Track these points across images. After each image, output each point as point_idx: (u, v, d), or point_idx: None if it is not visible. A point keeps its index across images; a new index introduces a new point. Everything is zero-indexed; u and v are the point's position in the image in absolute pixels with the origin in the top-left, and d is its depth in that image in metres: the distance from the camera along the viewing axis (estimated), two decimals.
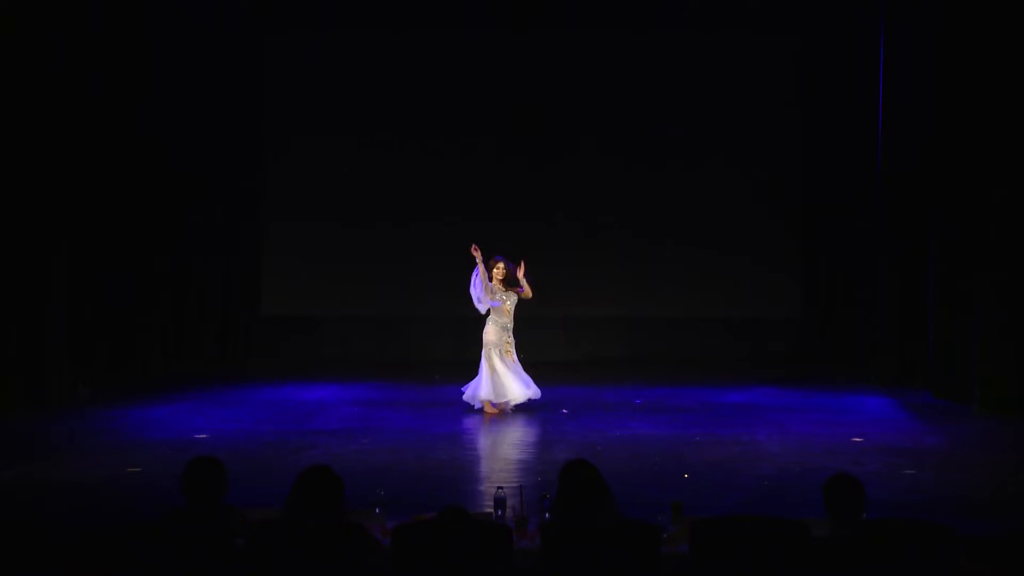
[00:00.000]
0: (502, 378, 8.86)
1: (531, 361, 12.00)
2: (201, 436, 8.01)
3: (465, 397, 9.05)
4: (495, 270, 8.95)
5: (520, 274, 8.98)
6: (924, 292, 10.14)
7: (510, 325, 9.02)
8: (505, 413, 8.90)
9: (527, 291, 9.04)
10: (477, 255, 8.83)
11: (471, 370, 10.69)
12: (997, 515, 5.80)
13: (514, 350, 9.05)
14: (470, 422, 8.71)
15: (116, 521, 4.05)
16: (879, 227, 10.95)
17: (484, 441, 8.08)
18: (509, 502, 4.66)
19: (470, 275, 9.06)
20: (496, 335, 8.93)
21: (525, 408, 9.20)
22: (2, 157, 9.12)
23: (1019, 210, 8.99)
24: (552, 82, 12.08)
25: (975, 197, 9.29)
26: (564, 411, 9.20)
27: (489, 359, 8.89)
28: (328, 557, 3.74)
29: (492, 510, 4.65)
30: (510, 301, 9.00)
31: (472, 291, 9.03)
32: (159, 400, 9.63)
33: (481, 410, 8.90)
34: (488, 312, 9.02)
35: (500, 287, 8.96)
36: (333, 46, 12.11)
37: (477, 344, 12.36)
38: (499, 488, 4.80)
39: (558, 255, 12.15)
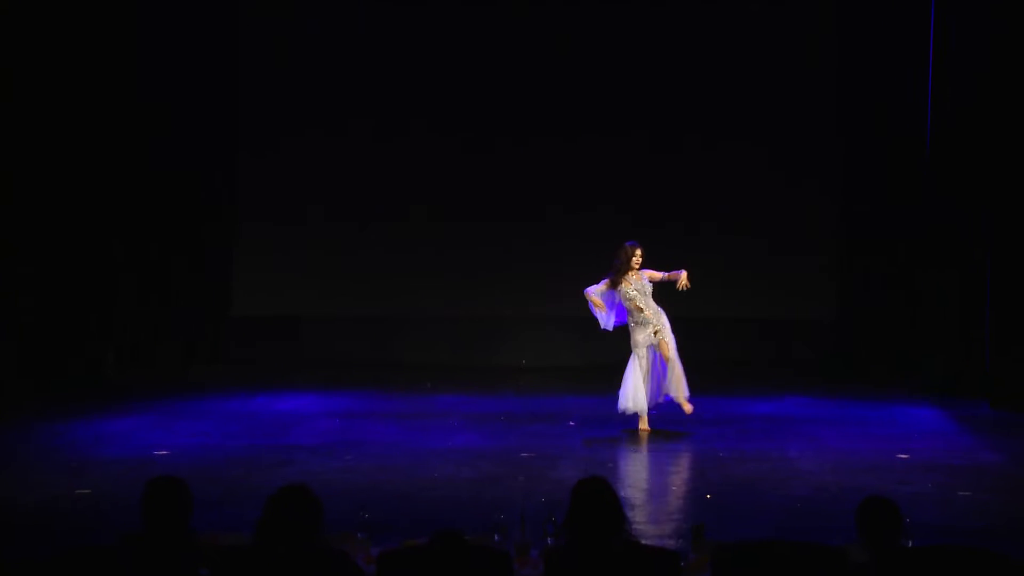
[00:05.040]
0: (634, 386, 8.69)
1: (539, 366, 12.14)
2: (162, 453, 7.99)
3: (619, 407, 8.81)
4: (635, 258, 8.66)
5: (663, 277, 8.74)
6: (980, 290, 10.12)
7: (650, 317, 8.67)
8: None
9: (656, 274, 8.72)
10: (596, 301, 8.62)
11: (467, 376, 10.70)
12: None
13: (669, 339, 8.67)
14: (466, 435, 8.71)
15: (62, 550, 4.02)
16: (928, 216, 10.92)
17: (482, 457, 8.07)
18: (509, 526, 4.65)
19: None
20: (640, 334, 8.74)
21: (532, 421, 9.22)
22: None
23: None
24: (551, 65, 12.11)
25: None
26: (571, 423, 9.20)
27: (635, 363, 8.73)
28: None
29: (490, 534, 4.64)
30: (636, 290, 8.66)
31: (601, 317, 8.75)
32: (114, 412, 9.60)
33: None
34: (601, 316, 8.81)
35: (628, 280, 8.64)
36: (310, 38, 12.17)
37: (473, 347, 12.45)
38: (498, 510, 4.79)
39: (565, 251, 12.15)
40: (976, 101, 10.04)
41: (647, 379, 8.72)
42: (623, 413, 8.76)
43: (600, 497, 3.88)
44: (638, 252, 8.71)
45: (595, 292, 8.77)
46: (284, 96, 12.25)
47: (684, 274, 8.69)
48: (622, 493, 6.69)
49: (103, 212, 11.29)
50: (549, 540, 4.49)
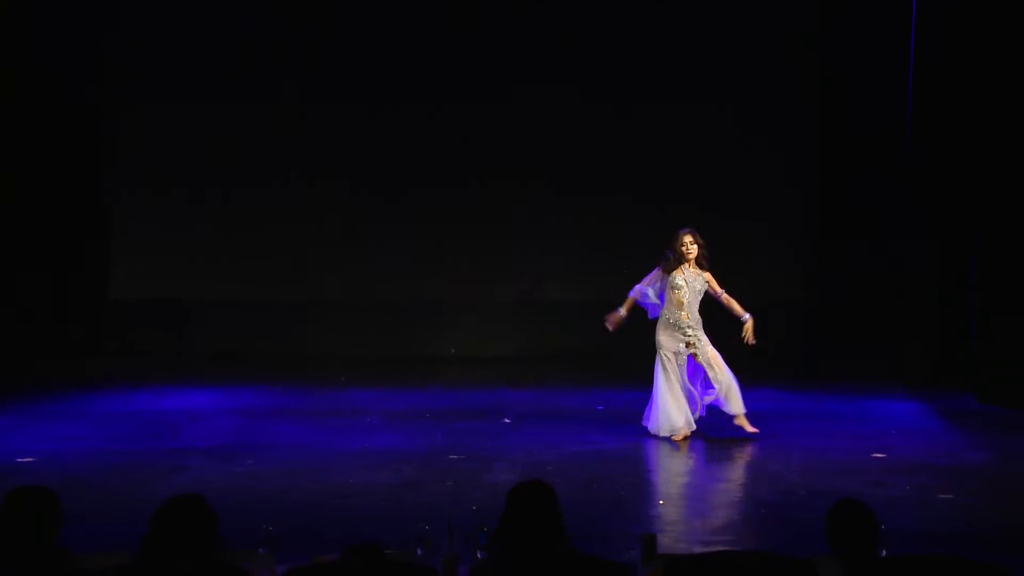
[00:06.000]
0: (664, 404, 8.50)
1: (469, 356, 12.14)
2: (26, 460, 7.87)
3: (650, 428, 8.60)
4: (685, 247, 8.48)
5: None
6: (967, 272, 10.32)
7: (685, 321, 8.49)
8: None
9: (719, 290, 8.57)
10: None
11: (386, 368, 10.64)
12: None
13: (702, 348, 8.50)
14: (385, 435, 8.72)
15: None
16: (911, 192, 11.12)
17: (402, 461, 8.09)
18: (435, 538, 4.67)
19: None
20: (667, 337, 8.56)
21: (462, 418, 9.24)
22: None
23: None
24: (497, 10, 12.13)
25: None
26: (506, 420, 9.25)
27: (660, 372, 8.53)
28: None
29: (412, 548, 4.66)
30: (684, 282, 8.50)
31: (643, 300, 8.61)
32: None
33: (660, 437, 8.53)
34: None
35: (682, 270, 8.48)
36: None
37: (395, 335, 12.42)
38: (422, 521, 4.81)
39: (504, 225, 12.18)
40: (956, 79, 10.29)
41: (683, 389, 8.54)
42: (656, 435, 8.55)
43: (540, 502, 3.91)
44: (687, 239, 8.51)
45: (647, 284, 8.56)
46: (178, 51, 12.10)
47: (750, 324, 8.54)
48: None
49: None
50: (480, 554, 4.51)
